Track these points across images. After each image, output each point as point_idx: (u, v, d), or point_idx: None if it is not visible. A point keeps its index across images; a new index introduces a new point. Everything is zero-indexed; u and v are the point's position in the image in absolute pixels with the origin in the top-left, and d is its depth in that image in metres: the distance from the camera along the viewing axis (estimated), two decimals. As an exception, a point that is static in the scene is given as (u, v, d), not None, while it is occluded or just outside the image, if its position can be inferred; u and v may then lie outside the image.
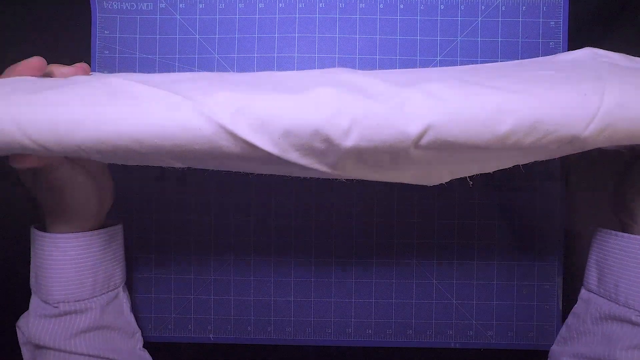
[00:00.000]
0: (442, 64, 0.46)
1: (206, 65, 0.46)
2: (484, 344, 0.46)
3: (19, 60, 0.32)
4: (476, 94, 0.29)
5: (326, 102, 0.28)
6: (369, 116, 0.28)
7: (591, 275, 0.39)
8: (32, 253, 0.39)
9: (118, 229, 0.42)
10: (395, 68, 0.46)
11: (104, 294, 0.39)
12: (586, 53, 0.37)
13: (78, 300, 0.37)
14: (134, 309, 0.46)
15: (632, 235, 0.36)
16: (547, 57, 0.39)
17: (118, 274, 0.41)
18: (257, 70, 0.46)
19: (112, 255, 0.41)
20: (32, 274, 0.39)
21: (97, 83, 0.30)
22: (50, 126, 0.27)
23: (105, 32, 0.47)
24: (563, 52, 0.46)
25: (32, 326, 0.37)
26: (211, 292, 0.46)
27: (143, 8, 0.47)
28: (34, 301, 0.38)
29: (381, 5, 0.47)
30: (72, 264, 0.37)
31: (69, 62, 0.47)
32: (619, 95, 0.28)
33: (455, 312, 0.46)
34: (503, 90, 0.29)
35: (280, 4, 0.47)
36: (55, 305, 0.37)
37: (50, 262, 0.37)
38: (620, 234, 0.37)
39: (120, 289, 0.42)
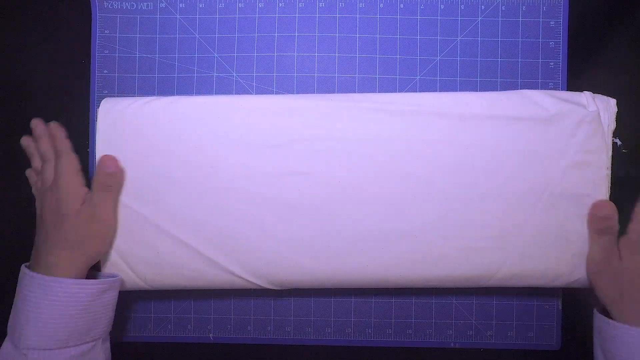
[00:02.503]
0: (442, 63, 0.46)
1: (206, 65, 0.46)
2: (484, 344, 0.46)
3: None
4: None
5: None
6: None
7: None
8: (17, 293, 0.37)
9: (115, 282, 0.39)
10: (395, 67, 0.46)
11: (76, 345, 0.36)
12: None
13: (45, 349, 0.35)
14: (134, 309, 0.46)
15: (625, 326, 0.36)
16: None
17: (101, 327, 0.38)
18: (256, 69, 0.46)
19: (100, 307, 0.38)
20: (11, 315, 0.37)
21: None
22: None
23: (105, 31, 0.47)
24: (562, 50, 0.46)
25: None
26: (211, 292, 0.46)
27: (143, 8, 0.47)
28: (5, 345, 0.36)
29: (381, 5, 0.47)
30: (52, 310, 0.35)
31: (69, 61, 0.47)
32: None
33: (455, 312, 0.46)
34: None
35: (280, 4, 0.47)
36: (25, 352, 0.35)
37: (31, 305, 0.35)
38: (614, 323, 0.36)
39: (100, 341, 0.38)
